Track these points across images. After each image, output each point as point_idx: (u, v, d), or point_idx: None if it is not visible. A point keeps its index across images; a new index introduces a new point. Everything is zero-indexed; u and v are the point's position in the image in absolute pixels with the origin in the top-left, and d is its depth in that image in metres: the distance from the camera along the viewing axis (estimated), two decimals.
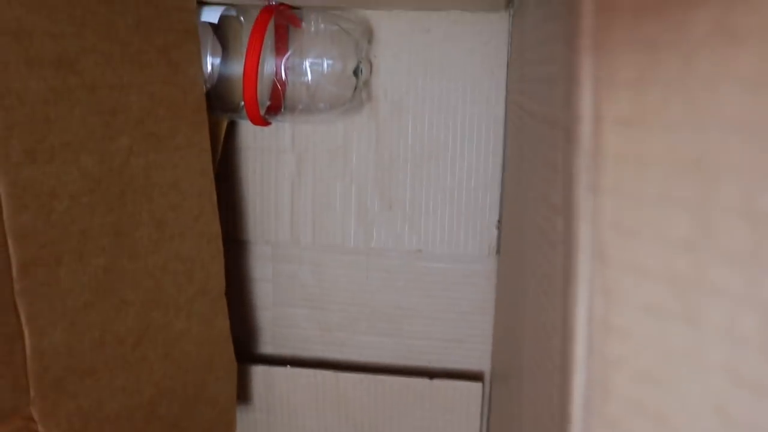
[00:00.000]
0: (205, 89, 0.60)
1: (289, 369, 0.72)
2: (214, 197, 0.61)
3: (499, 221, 0.67)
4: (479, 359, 0.71)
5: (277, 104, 0.61)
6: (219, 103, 0.62)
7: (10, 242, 0.42)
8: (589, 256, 0.18)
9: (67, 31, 0.45)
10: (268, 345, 0.75)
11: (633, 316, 0.17)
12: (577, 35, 0.17)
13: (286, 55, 0.60)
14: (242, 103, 0.60)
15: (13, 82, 0.41)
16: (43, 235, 0.44)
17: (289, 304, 0.73)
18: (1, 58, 0.40)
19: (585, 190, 0.17)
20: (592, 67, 0.17)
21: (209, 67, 0.61)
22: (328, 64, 0.60)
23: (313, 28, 0.61)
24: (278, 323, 0.74)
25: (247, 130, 0.70)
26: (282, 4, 0.60)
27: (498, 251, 0.67)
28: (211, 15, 0.59)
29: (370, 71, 0.66)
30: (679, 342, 0.16)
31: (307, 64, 0.60)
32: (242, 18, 0.61)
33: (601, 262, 0.17)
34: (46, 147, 0.44)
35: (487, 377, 0.71)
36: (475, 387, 0.70)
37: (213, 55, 0.61)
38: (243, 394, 0.73)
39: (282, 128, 0.69)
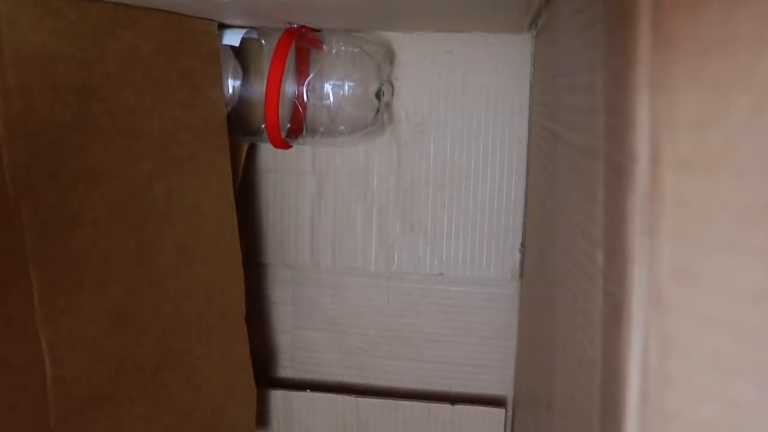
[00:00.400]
0: (226, 112, 0.59)
1: (308, 393, 0.71)
2: (235, 221, 0.61)
3: (522, 244, 0.66)
4: (501, 384, 0.70)
5: (298, 127, 0.61)
6: (240, 126, 0.62)
7: (31, 270, 0.42)
8: (644, 301, 0.17)
9: (91, 56, 0.44)
10: (287, 368, 0.74)
11: (695, 366, 0.16)
12: (632, 72, 0.16)
13: (308, 78, 0.59)
14: (263, 125, 0.59)
15: (37, 108, 0.41)
16: (65, 261, 0.44)
17: (309, 328, 0.72)
18: (26, 84, 0.40)
19: (641, 233, 0.17)
20: (650, 107, 0.16)
21: (230, 90, 0.60)
22: (349, 87, 0.59)
23: (334, 51, 0.60)
24: (298, 346, 0.73)
25: (267, 151, 0.70)
26: (303, 26, 0.60)
27: (521, 275, 0.66)
28: (232, 38, 0.59)
29: (392, 93, 0.65)
30: (746, 397, 0.15)
31: (328, 86, 0.59)
32: (263, 41, 0.60)
33: (658, 309, 0.17)
34: (68, 173, 0.43)
35: (509, 403, 0.70)
36: (498, 413, 0.68)
37: (234, 77, 0.61)
38: (262, 418, 0.72)
39: (303, 150, 0.69)
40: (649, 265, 0.17)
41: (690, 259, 0.16)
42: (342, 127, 0.60)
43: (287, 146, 0.62)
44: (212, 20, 0.56)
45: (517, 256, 0.66)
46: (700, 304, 0.15)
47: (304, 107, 0.60)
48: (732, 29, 0.14)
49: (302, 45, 0.60)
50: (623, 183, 0.18)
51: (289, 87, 0.60)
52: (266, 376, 0.75)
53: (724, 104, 0.14)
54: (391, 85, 0.65)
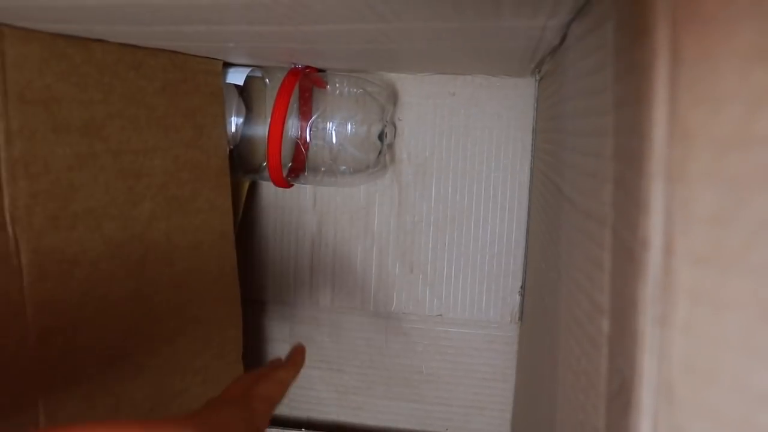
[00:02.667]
0: (228, 150, 0.59)
1: None
2: (234, 259, 0.61)
3: (523, 287, 0.66)
4: (499, 427, 0.69)
5: (299, 166, 0.61)
6: (241, 164, 0.62)
7: (29, 310, 0.41)
8: (654, 392, 0.17)
9: (95, 97, 0.44)
10: (283, 406, 0.73)
11: None
12: (647, 159, 0.16)
13: (311, 119, 0.59)
14: (265, 164, 0.59)
15: (39, 149, 0.41)
16: (63, 302, 0.43)
17: (306, 366, 0.71)
18: (30, 126, 0.40)
19: (652, 322, 0.16)
20: (665, 197, 0.16)
21: (233, 127, 0.60)
22: (352, 128, 0.59)
23: (338, 91, 0.61)
24: (294, 384, 0.72)
25: (268, 187, 0.70)
26: (308, 67, 0.60)
27: (520, 318, 0.66)
28: (237, 77, 0.59)
29: (395, 134, 0.65)
30: None
31: (331, 127, 0.59)
32: (267, 80, 0.60)
33: (669, 402, 0.16)
34: (69, 214, 0.43)
35: None
36: None
37: (237, 115, 0.60)
38: None
39: (304, 187, 0.69)
40: (660, 355, 0.16)
41: (703, 355, 0.15)
42: (344, 168, 0.60)
43: (288, 185, 0.62)
44: (217, 59, 0.56)
45: (517, 299, 0.66)
46: (713, 402, 0.15)
47: (306, 147, 0.60)
48: (751, 130, 0.14)
49: (306, 85, 0.60)
50: (635, 267, 0.18)
51: (292, 126, 0.60)
52: None
53: (742, 205, 0.14)
54: (394, 126, 0.65)
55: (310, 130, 0.60)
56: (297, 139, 0.60)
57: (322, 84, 0.61)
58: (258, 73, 0.61)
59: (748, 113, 0.14)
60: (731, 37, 0.14)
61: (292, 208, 0.69)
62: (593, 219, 0.27)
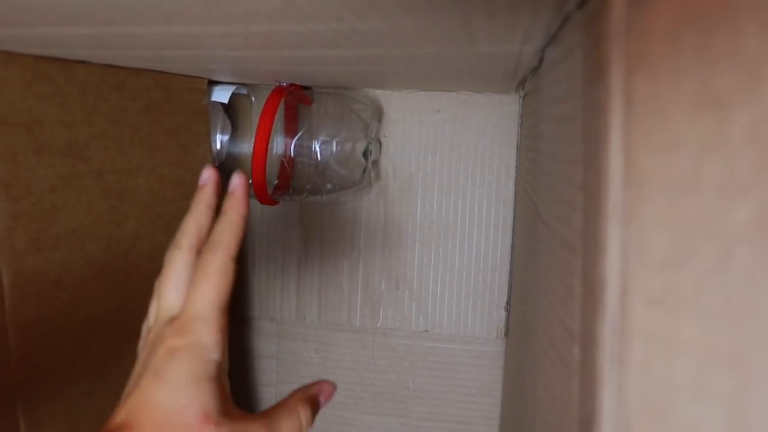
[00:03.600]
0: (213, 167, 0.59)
1: None
2: None
3: (508, 303, 0.66)
4: None
5: (285, 184, 0.61)
6: (227, 181, 0.62)
7: (10, 333, 0.41)
8: (614, 427, 0.17)
9: (78, 118, 0.45)
10: None
11: None
12: (603, 202, 0.16)
13: (296, 136, 0.60)
14: (250, 181, 0.59)
15: (21, 171, 0.41)
16: (45, 324, 0.43)
17: (293, 382, 0.71)
18: (11, 148, 0.40)
19: (610, 360, 0.17)
20: (621, 239, 0.16)
21: (218, 145, 0.61)
22: (337, 146, 0.59)
23: (323, 109, 0.61)
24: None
25: (254, 204, 0.70)
26: (293, 84, 0.60)
27: (506, 333, 0.66)
28: (222, 95, 0.59)
29: (380, 151, 0.65)
30: None
31: (316, 144, 0.60)
32: (253, 97, 0.61)
33: None
34: (51, 235, 0.43)
35: None
36: None
37: (223, 132, 0.61)
38: None
39: (290, 203, 0.69)
40: (618, 392, 0.17)
41: (658, 394, 0.16)
42: (329, 185, 0.61)
43: (274, 203, 0.62)
44: (202, 78, 0.57)
45: (503, 314, 0.66)
46: None
47: (292, 164, 0.60)
48: (699, 176, 0.14)
49: (291, 102, 0.60)
50: (595, 304, 0.18)
51: (278, 144, 0.60)
52: None
53: (692, 250, 0.14)
54: (379, 143, 0.65)
55: (295, 148, 0.60)
56: (282, 156, 0.60)
57: (307, 101, 0.61)
58: (243, 91, 0.61)
59: (697, 159, 0.14)
60: (678, 85, 0.14)
61: (278, 225, 0.69)
62: (566, 246, 0.27)
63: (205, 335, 0.33)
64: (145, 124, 0.51)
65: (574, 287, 0.25)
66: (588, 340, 0.20)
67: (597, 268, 0.17)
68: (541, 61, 0.39)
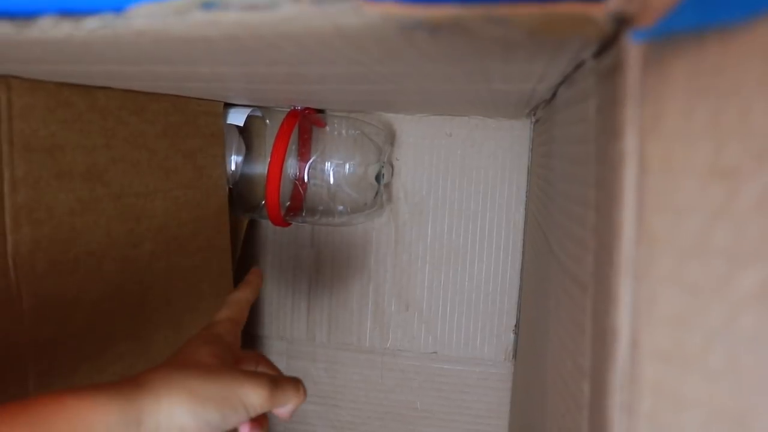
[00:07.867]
0: (227, 189, 0.60)
1: None
2: None
3: (517, 326, 0.66)
4: None
5: (297, 205, 0.62)
6: (241, 202, 0.63)
7: (29, 354, 0.42)
8: None
9: (98, 142, 0.45)
10: None
11: None
12: (616, 256, 0.17)
13: (310, 160, 0.60)
14: (263, 202, 0.60)
15: (43, 195, 0.42)
16: (63, 345, 0.44)
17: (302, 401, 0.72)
18: (34, 173, 0.41)
19: (619, 410, 0.17)
20: (632, 293, 0.17)
21: (233, 166, 0.61)
22: (350, 169, 0.60)
23: (336, 132, 0.62)
24: (290, 420, 0.73)
25: (267, 225, 0.71)
26: (307, 108, 0.61)
27: (514, 356, 0.67)
28: (237, 118, 0.60)
29: (392, 174, 0.66)
30: None
31: (329, 167, 0.61)
32: (268, 120, 0.62)
33: None
34: (70, 258, 0.44)
35: None
36: None
37: (237, 153, 0.62)
38: None
39: (302, 225, 0.70)
40: None
41: None
42: (341, 208, 0.61)
43: (286, 224, 0.63)
44: (218, 101, 0.58)
45: (511, 337, 0.67)
46: None
47: (305, 187, 0.61)
48: (709, 242, 0.15)
49: (305, 126, 0.61)
50: (605, 353, 0.18)
51: (291, 166, 0.61)
52: None
53: (701, 310, 0.15)
54: (391, 166, 0.66)
55: (308, 171, 0.61)
56: (295, 178, 0.61)
57: (321, 124, 0.62)
58: (258, 113, 0.62)
59: (706, 226, 0.15)
60: (690, 152, 0.15)
61: (290, 246, 0.70)
62: (577, 284, 0.28)
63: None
64: (162, 147, 0.52)
65: (584, 325, 0.26)
66: (598, 385, 0.21)
67: (608, 318, 0.18)
68: (554, 95, 0.40)
